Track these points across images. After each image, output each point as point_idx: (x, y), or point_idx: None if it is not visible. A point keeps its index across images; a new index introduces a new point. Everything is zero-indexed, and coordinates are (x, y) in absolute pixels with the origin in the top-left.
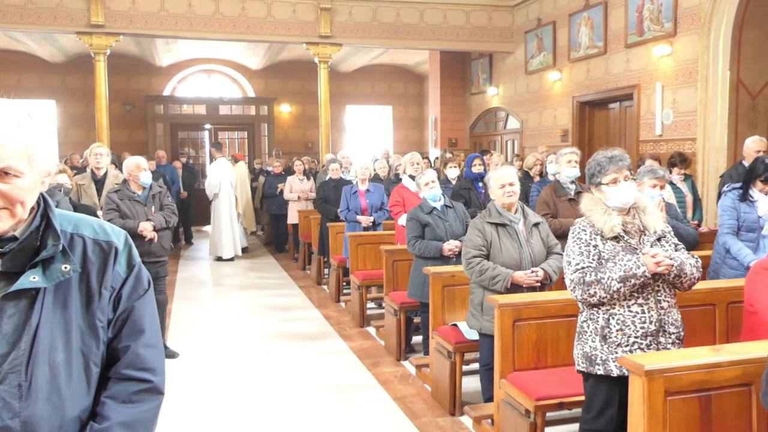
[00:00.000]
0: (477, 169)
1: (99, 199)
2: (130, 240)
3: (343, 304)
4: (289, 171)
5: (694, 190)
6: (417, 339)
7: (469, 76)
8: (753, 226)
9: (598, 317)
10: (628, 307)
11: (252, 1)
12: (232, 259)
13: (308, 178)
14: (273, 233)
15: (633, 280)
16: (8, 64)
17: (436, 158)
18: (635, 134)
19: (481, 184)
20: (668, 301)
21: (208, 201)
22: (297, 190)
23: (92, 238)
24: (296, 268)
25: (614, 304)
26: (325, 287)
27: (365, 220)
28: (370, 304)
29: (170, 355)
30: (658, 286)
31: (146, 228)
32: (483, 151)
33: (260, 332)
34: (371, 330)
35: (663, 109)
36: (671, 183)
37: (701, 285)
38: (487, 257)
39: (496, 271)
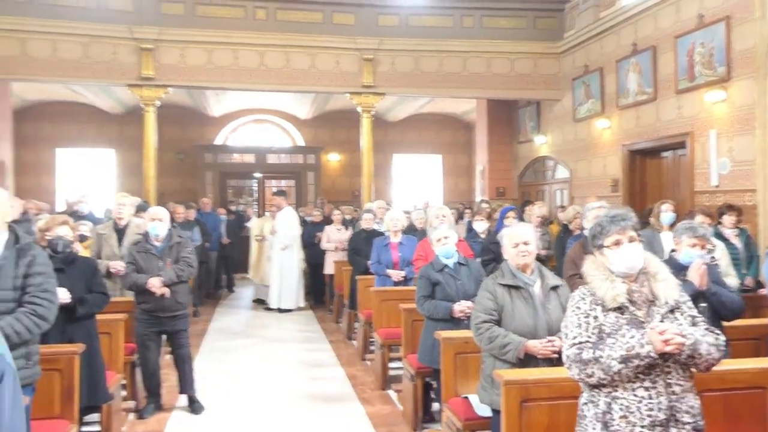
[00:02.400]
0: (509, 222)
1: (119, 249)
2: None
3: (369, 363)
4: (329, 220)
5: (748, 244)
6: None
7: (516, 124)
8: None
9: (599, 401)
10: (633, 390)
11: (296, 53)
12: (289, 310)
13: (346, 228)
14: (311, 283)
15: (636, 361)
16: (72, 115)
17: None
18: (689, 185)
19: None
20: (681, 385)
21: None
22: (334, 240)
23: None
24: (330, 320)
25: (617, 386)
26: (355, 343)
27: (395, 274)
28: (396, 364)
29: (196, 410)
30: (669, 366)
31: (154, 285)
32: (526, 201)
33: (278, 390)
34: (393, 393)
35: (718, 158)
36: (723, 238)
37: (749, 364)
38: (499, 323)
39: (507, 339)
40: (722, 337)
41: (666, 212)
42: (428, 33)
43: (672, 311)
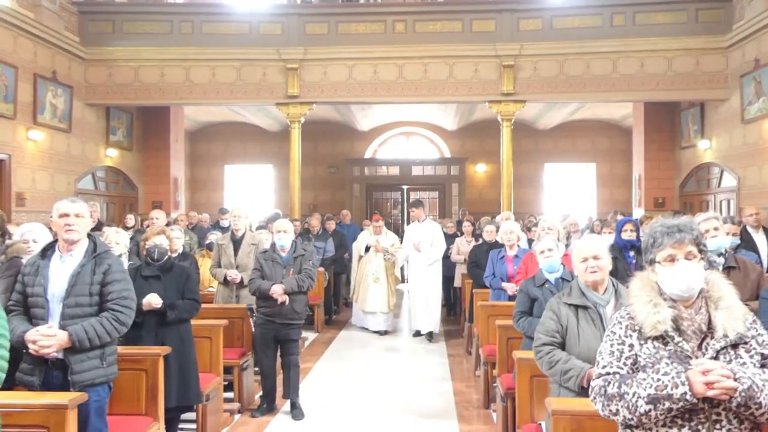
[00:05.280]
0: (627, 235)
1: (235, 259)
2: None
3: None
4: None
5: None
6: None
7: (678, 128)
8: None
9: None
10: None
11: (434, 64)
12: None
13: (476, 240)
14: (444, 296)
15: (667, 403)
16: (237, 134)
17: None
18: None
19: (632, 254)
20: None
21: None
22: (464, 252)
23: None
24: (457, 334)
25: (650, 430)
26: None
27: (510, 287)
28: None
29: (296, 416)
30: (719, 414)
31: (276, 291)
32: (676, 213)
33: (382, 403)
34: (494, 413)
35: None
36: None
37: None
38: (562, 346)
39: (569, 365)
40: None
41: None
42: (574, 35)
43: (735, 347)
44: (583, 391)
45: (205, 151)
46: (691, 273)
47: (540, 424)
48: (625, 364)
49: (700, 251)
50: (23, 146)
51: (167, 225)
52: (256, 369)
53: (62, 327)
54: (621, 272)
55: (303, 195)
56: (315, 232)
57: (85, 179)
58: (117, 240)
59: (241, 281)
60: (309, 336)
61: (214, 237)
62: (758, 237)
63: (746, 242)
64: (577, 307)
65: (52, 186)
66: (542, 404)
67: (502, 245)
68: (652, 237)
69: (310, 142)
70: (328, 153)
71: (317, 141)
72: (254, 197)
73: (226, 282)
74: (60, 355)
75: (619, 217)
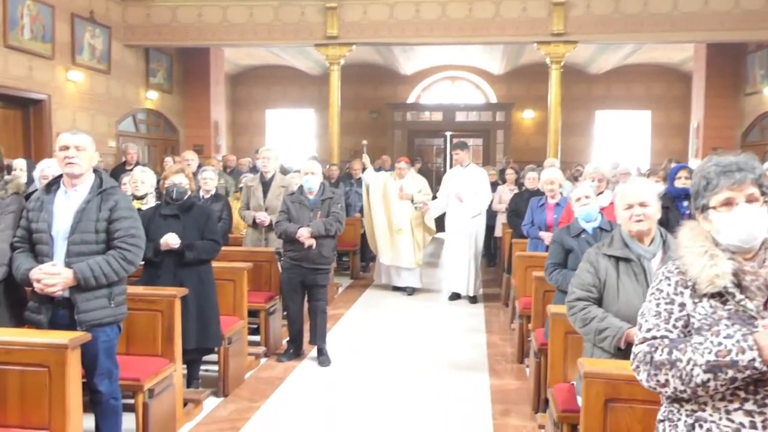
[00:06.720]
0: (682, 183)
1: (264, 201)
2: None
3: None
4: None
5: None
6: None
7: (743, 73)
8: None
9: (678, 420)
10: (727, 413)
11: (479, 2)
12: (474, 300)
13: (520, 189)
14: (484, 245)
15: (731, 372)
16: (277, 78)
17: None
18: None
19: (686, 204)
20: None
21: None
22: (506, 201)
23: None
24: (497, 285)
25: (704, 405)
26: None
27: (547, 237)
28: None
29: (323, 362)
30: None
31: (302, 234)
32: None
33: (412, 354)
34: (528, 369)
35: None
36: None
37: None
38: (599, 302)
39: (605, 323)
40: None
41: None
42: None
43: None
44: (619, 353)
45: (246, 94)
46: (753, 218)
47: (573, 384)
48: (674, 326)
49: (763, 193)
50: (63, 87)
51: (199, 167)
52: (284, 314)
53: (67, 265)
54: (673, 224)
55: (344, 140)
56: (357, 176)
57: (126, 121)
58: (143, 179)
59: (271, 224)
60: (344, 282)
61: (246, 178)
62: None
63: None
64: (618, 259)
65: (92, 127)
66: (576, 363)
67: (544, 193)
68: (705, 178)
69: (351, 87)
70: (370, 97)
71: (359, 85)
72: (296, 142)
73: (255, 225)
74: (66, 294)
75: (673, 165)
